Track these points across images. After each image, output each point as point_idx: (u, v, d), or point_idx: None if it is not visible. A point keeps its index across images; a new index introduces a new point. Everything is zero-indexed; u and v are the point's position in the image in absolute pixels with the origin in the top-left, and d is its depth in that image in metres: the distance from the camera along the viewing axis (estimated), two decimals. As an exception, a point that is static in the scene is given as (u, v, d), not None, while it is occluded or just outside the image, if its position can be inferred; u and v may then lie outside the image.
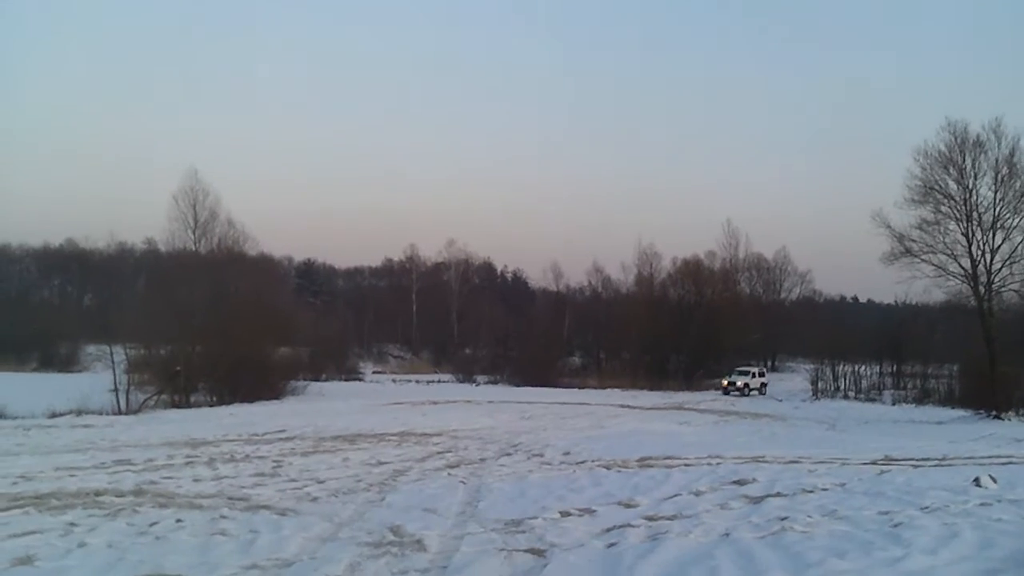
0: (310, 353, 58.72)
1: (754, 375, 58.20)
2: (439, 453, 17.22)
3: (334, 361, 65.72)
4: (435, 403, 36.77)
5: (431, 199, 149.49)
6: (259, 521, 9.57)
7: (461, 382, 63.82)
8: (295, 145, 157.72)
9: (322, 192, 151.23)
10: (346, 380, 62.13)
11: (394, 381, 63.25)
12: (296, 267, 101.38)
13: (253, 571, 7.29)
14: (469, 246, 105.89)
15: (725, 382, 57.00)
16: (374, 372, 73.94)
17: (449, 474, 13.98)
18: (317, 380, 53.45)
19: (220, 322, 37.82)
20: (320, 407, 33.02)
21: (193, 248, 43.58)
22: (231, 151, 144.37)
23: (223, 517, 9.78)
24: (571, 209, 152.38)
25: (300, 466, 14.81)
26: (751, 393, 55.32)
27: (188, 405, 34.05)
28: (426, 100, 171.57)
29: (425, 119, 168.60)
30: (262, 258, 57.25)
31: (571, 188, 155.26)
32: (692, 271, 78.06)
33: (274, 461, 15.47)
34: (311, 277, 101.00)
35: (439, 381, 63.77)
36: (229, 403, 35.04)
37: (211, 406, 34.11)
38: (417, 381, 62.69)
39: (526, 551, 8.04)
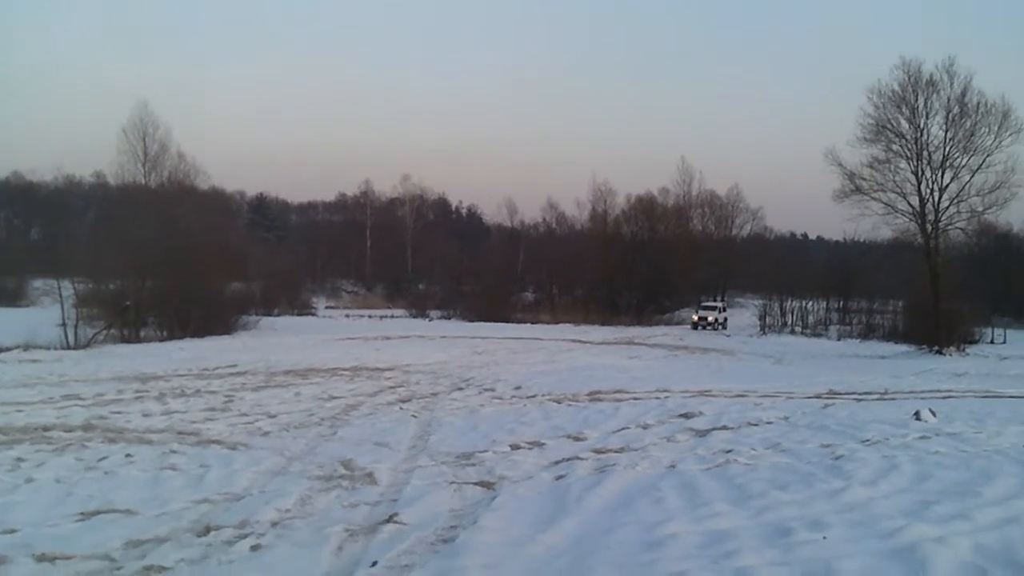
0: (262, 288, 58.25)
1: (719, 310, 60.76)
2: (391, 388, 17.29)
3: (286, 296, 65.22)
4: (388, 338, 36.76)
5: (386, 134, 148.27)
6: (209, 456, 9.59)
7: (414, 317, 63.77)
8: (248, 79, 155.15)
9: (275, 127, 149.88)
10: (299, 315, 61.78)
11: (347, 316, 63.04)
12: (248, 202, 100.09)
13: (203, 505, 7.32)
14: (424, 182, 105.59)
15: (696, 317, 59.01)
16: (327, 307, 73.60)
17: (401, 408, 14.07)
18: (269, 315, 53.12)
19: (170, 256, 37.25)
20: (272, 342, 32.88)
21: (143, 182, 42.88)
22: (183, 84, 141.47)
23: (173, 452, 9.78)
24: (526, 145, 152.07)
25: (251, 401, 14.79)
26: (718, 328, 57.13)
27: (138, 340, 33.65)
28: (379, 34, 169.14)
29: (379, 53, 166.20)
30: (214, 192, 56.58)
31: (527, 125, 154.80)
32: (646, 208, 78.42)
33: (225, 396, 15.42)
34: (264, 212, 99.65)
35: (392, 316, 63.66)
36: (180, 338, 34.66)
37: (161, 341, 33.76)
38: (370, 316, 62.54)
39: (476, 484, 8.16)
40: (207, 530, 6.51)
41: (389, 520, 6.72)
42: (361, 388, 17.04)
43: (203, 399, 14.94)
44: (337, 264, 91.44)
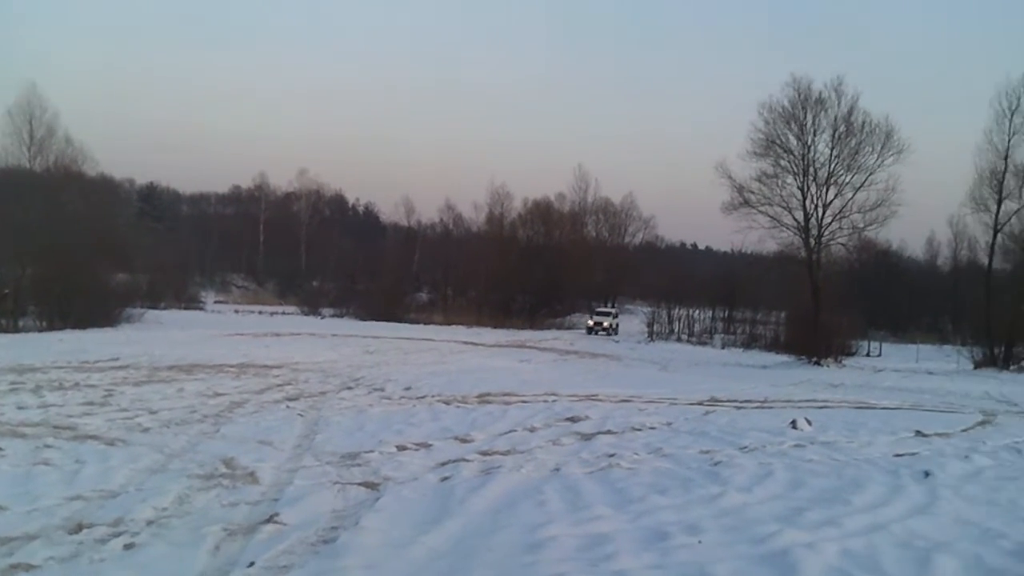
0: (149, 280, 56.52)
1: (613, 316, 61.93)
2: (279, 385, 17.04)
3: (174, 289, 63.39)
4: (278, 335, 36.19)
5: (283, 128, 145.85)
6: (86, 451, 9.30)
7: (306, 315, 62.88)
8: (141, 65, 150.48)
9: (168, 116, 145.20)
10: (186, 309, 60.18)
11: (236, 312, 61.74)
12: (138, 190, 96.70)
13: (77, 502, 7.10)
14: (321, 177, 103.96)
15: (591, 322, 60.12)
16: (216, 302, 71.95)
17: (288, 407, 13.88)
18: (155, 308, 51.48)
19: (54, 244, 35.88)
20: (157, 335, 31.99)
21: (28, 166, 41.47)
22: (72, 67, 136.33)
23: (47, 446, 9.44)
24: (425, 145, 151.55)
25: (132, 395, 14.37)
26: (612, 333, 58.41)
27: (16, 330, 32.36)
28: (274, 25, 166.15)
29: (276, 45, 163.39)
30: (102, 179, 54.64)
31: (427, 125, 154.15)
32: (542, 212, 79.25)
33: (105, 390, 14.95)
34: (153, 202, 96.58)
35: (284, 313, 62.66)
36: (60, 329, 33.38)
37: (41, 331, 32.51)
38: (261, 312, 61.46)
39: (360, 484, 8.11)
40: (79, 528, 6.32)
41: (269, 520, 6.63)
42: (247, 385, 16.73)
43: (82, 393, 14.46)
44: (228, 258, 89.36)
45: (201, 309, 62.95)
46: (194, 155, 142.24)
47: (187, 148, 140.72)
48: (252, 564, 5.59)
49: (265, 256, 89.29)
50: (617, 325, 61.04)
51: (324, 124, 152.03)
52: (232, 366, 20.71)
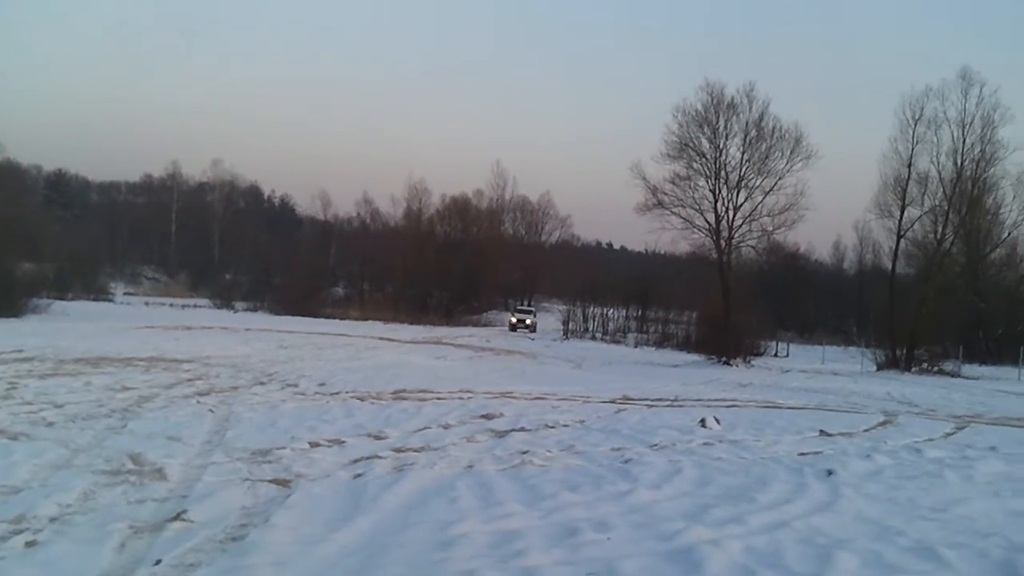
0: (56, 270, 54.96)
1: (533, 314, 63.88)
2: (189, 380, 16.73)
3: (82, 280, 61.76)
4: (189, 328, 35.50)
5: (196, 115, 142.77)
6: (-14, 446, 9.02)
7: (219, 308, 61.94)
8: (52, 48, 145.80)
9: (78, 100, 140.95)
10: (95, 300, 58.69)
11: (147, 304, 60.49)
12: (46, 177, 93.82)
13: (-25, 499, 6.90)
14: (236, 168, 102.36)
15: (514, 319, 61.73)
16: (126, 293, 70.37)
17: (198, 402, 13.63)
18: (62, 299, 50.10)
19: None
20: (63, 327, 31.12)
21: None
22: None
23: (-55, 441, 9.14)
24: (343, 138, 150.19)
25: (37, 389, 13.97)
26: (533, 330, 59.90)
27: (-89, 321, 31.24)
28: (193, 5, 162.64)
29: (186, 28, 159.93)
30: (8, 164, 53.00)
31: (344, 117, 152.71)
32: (460, 209, 79.31)
33: (8, 383, 14.49)
34: (62, 189, 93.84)
35: (196, 306, 61.61)
36: (-41, 319, 32.41)
37: (-63, 322, 31.45)
38: (172, 305, 60.33)
39: (271, 481, 8.03)
40: (-22, 525, 6.14)
41: (177, 517, 6.52)
42: (157, 380, 16.39)
43: (-19, 386, 14.01)
44: (139, 248, 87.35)
45: (110, 301, 61.49)
46: (105, 141, 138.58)
47: (97, 134, 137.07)
48: (159, 562, 5.50)
49: (177, 247, 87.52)
50: (535, 323, 62.12)
51: (240, 114, 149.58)
52: (141, 360, 20.26)
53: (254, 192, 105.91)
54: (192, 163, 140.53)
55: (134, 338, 27.49)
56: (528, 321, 61.57)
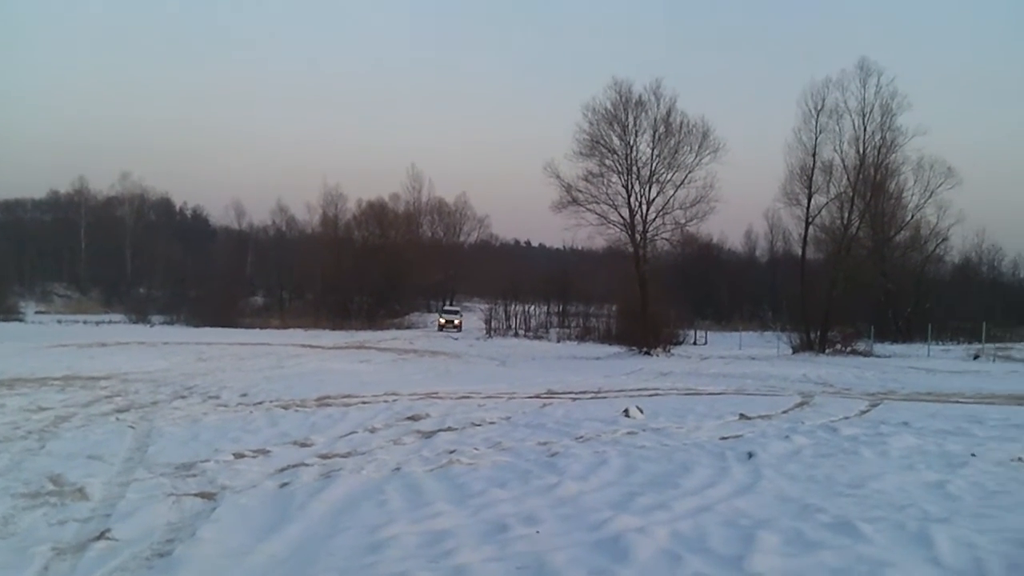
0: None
1: (459, 314, 65.93)
2: (107, 397, 16.33)
3: (-11, 300, 59.89)
4: (105, 345, 34.59)
5: (103, 131, 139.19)
6: None
7: (135, 323, 60.41)
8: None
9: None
10: (4, 321, 56.84)
11: (60, 322, 58.78)
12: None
13: None
14: (145, 181, 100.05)
15: (443, 320, 64.19)
16: (37, 312, 68.39)
17: (117, 419, 13.33)
18: (-31, 321, 48.58)
19: None
20: (-31, 350, 30.10)
21: None
22: None
23: None
24: (255, 146, 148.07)
25: (-55, 414, 13.53)
26: (460, 329, 61.46)
27: None
28: (95, 12, 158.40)
29: (93, 41, 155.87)
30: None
31: (255, 124, 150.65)
32: (377, 213, 78.92)
33: (-87, 411, 14.00)
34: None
35: (111, 322, 60.03)
36: None
37: None
38: (86, 322, 58.71)
39: (196, 495, 7.92)
40: None
41: (101, 536, 6.40)
42: (74, 398, 15.96)
43: None
44: (48, 266, 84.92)
45: (21, 320, 59.64)
46: (6, 158, 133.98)
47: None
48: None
49: (88, 263, 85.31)
50: (462, 322, 63.54)
51: (147, 127, 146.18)
52: (56, 379, 19.69)
53: (165, 204, 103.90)
54: (100, 177, 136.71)
55: (48, 357, 26.68)
56: (456, 321, 63.50)
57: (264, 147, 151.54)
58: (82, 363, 24.29)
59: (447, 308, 70.49)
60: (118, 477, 8.76)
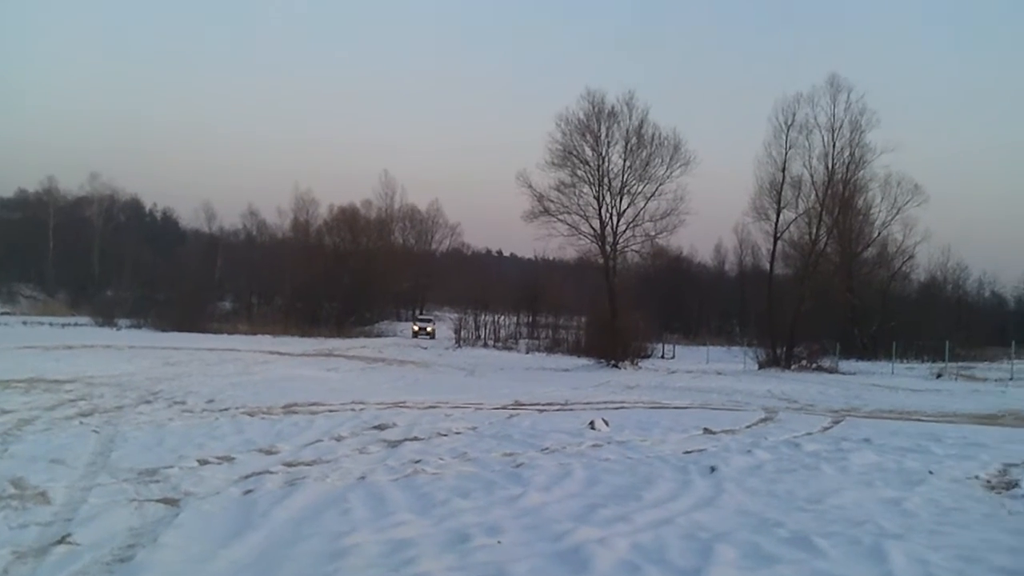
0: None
1: (432, 323, 68.47)
2: (72, 401, 16.20)
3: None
4: (71, 347, 34.25)
5: (73, 129, 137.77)
6: None
7: (101, 326, 59.77)
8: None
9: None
10: (-34, 323, 56.17)
11: (25, 323, 58.06)
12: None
13: None
14: (115, 181, 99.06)
15: (416, 327, 66.83)
16: (2, 313, 67.53)
17: (81, 423, 13.23)
18: (-69, 321, 47.90)
19: None
20: (-69, 351, 29.70)
21: None
22: None
23: None
24: (227, 148, 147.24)
25: (-96, 417, 13.37)
26: (433, 337, 63.17)
27: None
28: (66, 17, 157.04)
29: (63, 38, 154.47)
30: None
31: (227, 127, 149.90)
32: (348, 219, 78.69)
33: None
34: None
35: (77, 324, 59.35)
36: None
37: None
38: (52, 324, 57.98)
39: (159, 501, 7.90)
40: None
41: (62, 541, 6.39)
42: (37, 401, 15.81)
43: None
44: (14, 266, 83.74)
45: (-15, 322, 58.87)
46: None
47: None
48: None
49: (55, 264, 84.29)
50: (435, 330, 65.36)
51: (117, 127, 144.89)
52: (20, 381, 19.49)
53: (135, 206, 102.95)
54: (69, 178, 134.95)
55: (11, 359, 26.38)
56: (429, 328, 66.54)
57: (235, 149, 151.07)
58: (47, 366, 24.05)
59: (420, 316, 74.00)
60: (81, 481, 8.72)
